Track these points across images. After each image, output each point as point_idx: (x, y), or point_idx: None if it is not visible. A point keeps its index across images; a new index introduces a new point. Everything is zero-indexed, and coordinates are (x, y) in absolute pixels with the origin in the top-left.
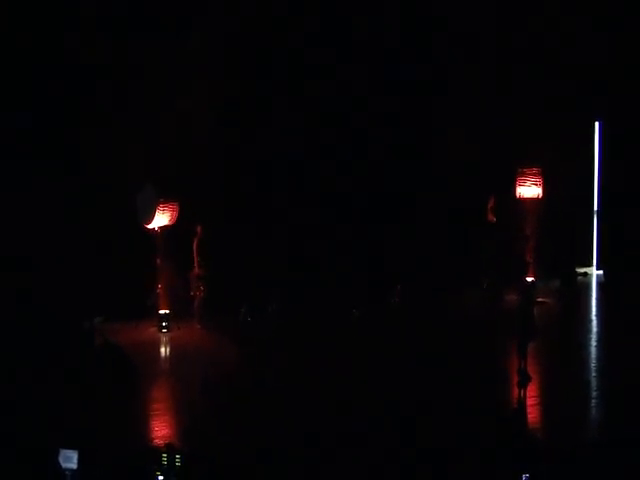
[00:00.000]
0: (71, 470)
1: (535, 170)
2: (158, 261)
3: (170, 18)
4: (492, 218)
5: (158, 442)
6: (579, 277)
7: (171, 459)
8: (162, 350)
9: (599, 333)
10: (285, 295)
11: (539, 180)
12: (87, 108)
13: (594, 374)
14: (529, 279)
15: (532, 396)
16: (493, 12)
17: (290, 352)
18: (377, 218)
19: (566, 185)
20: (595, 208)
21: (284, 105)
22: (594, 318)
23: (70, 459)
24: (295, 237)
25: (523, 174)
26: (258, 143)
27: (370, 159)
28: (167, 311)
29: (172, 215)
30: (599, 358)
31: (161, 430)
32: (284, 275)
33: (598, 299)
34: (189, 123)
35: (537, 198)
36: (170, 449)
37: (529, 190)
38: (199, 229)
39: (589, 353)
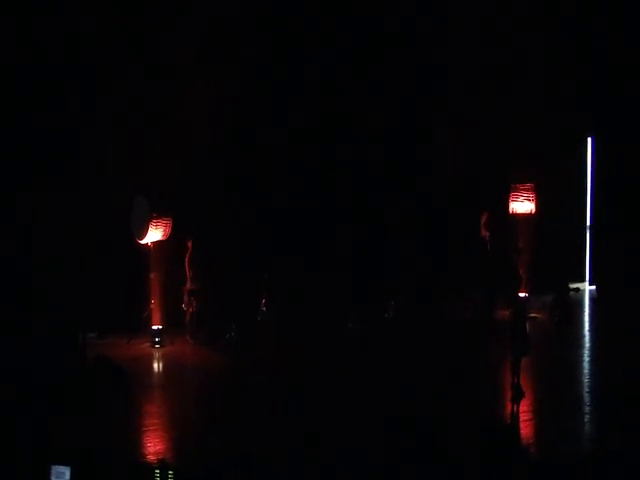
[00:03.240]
0: None
1: (528, 186)
2: (151, 276)
3: (169, 30)
4: (485, 233)
5: (151, 458)
6: (572, 292)
7: (164, 475)
8: (155, 365)
9: (592, 348)
10: (279, 310)
11: (532, 196)
12: (81, 126)
13: (587, 389)
14: (522, 294)
15: (525, 411)
16: (488, 29)
17: (284, 365)
18: (372, 232)
19: (559, 201)
20: (588, 224)
21: (280, 121)
22: (587, 333)
23: (62, 475)
24: (290, 252)
25: (516, 190)
26: (253, 158)
27: (367, 175)
28: (160, 326)
29: (165, 230)
30: (592, 373)
31: (154, 446)
32: (278, 290)
33: (591, 314)
34: (183, 138)
35: (530, 214)
36: (163, 465)
37: (522, 206)
38: (190, 244)
39: (582, 368)
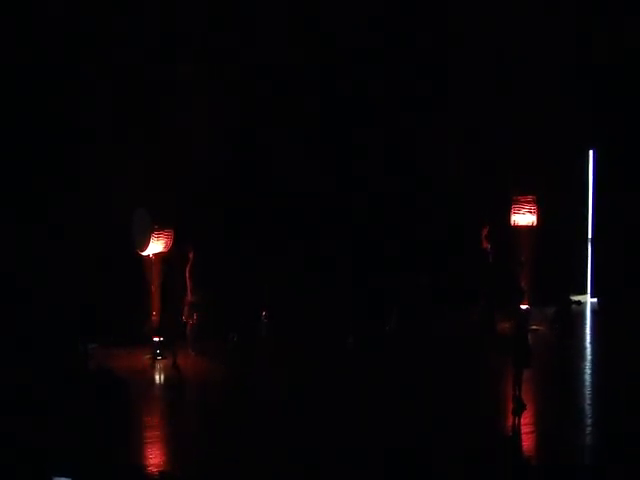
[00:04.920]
0: None
1: (530, 198)
2: (152, 288)
3: (170, 45)
4: (487, 245)
5: (152, 470)
6: (573, 305)
7: None
8: (156, 377)
9: (593, 360)
10: (280, 319)
11: (534, 208)
12: (82, 139)
13: (588, 401)
14: (523, 307)
15: (527, 424)
16: (489, 41)
17: (284, 376)
18: (373, 245)
19: (560, 213)
20: (589, 236)
21: (282, 135)
22: (588, 345)
23: None
24: (293, 263)
25: (518, 202)
26: (255, 172)
27: (368, 189)
28: (162, 338)
29: (167, 242)
30: (593, 385)
31: (155, 458)
32: (281, 300)
33: (592, 327)
34: (185, 151)
35: (532, 226)
36: (164, 477)
37: (524, 218)
38: (191, 255)
39: (583, 380)
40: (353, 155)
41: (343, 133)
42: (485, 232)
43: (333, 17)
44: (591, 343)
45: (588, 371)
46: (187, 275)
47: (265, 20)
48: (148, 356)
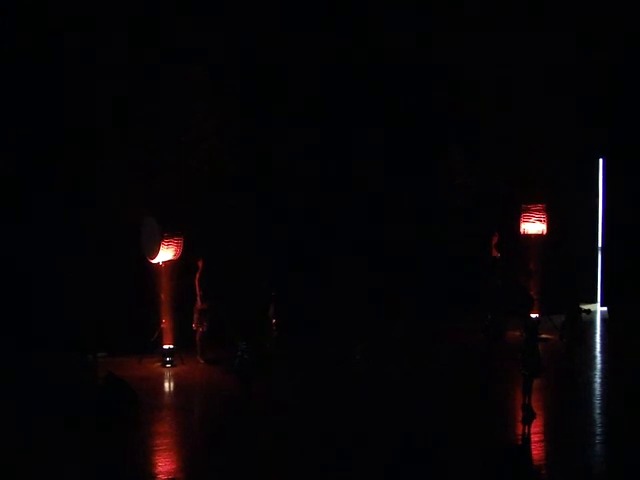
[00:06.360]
0: None
1: (539, 206)
2: (162, 296)
3: (172, 52)
4: (496, 254)
5: (162, 477)
6: (583, 314)
7: None
8: (166, 385)
9: (603, 369)
10: (287, 328)
11: (543, 216)
12: (88, 146)
13: (598, 410)
14: (533, 315)
15: (536, 432)
16: (496, 52)
17: (293, 385)
18: (380, 252)
19: (570, 222)
20: (599, 245)
21: (286, 139)
22: (598, 354)
23: None
24: (297, 270)
25: (527, 210)
26: (261, 177)
27: (373, 194)
28: (171, 346)
29: (176, 250)
30: (603, 394)
31: (165, 465)
32: (286, 308)
33: (602, 335)
34: (192, 159)
35: (541, 234)
36: None
37: (533, 226)
38: (200, 263)
39: (593, 389)
40: (354, 155)
41: (343, 133)
42: (495, 241)
43: (333, 17)
44: (601, 352)
45: (598, 380)
46: (197, 283)
47: (265, 20)
48: (158, 364)
